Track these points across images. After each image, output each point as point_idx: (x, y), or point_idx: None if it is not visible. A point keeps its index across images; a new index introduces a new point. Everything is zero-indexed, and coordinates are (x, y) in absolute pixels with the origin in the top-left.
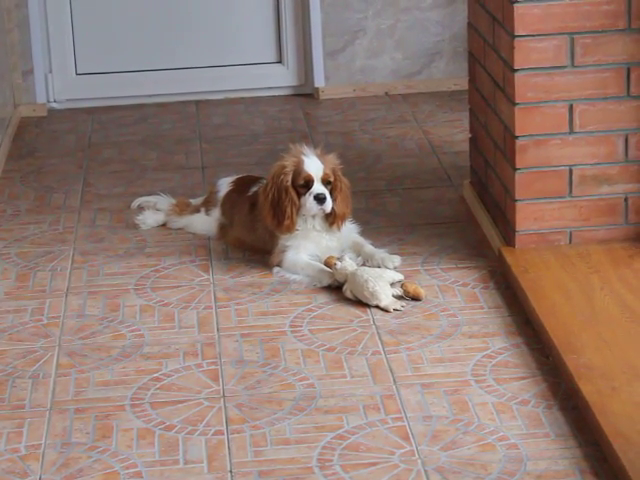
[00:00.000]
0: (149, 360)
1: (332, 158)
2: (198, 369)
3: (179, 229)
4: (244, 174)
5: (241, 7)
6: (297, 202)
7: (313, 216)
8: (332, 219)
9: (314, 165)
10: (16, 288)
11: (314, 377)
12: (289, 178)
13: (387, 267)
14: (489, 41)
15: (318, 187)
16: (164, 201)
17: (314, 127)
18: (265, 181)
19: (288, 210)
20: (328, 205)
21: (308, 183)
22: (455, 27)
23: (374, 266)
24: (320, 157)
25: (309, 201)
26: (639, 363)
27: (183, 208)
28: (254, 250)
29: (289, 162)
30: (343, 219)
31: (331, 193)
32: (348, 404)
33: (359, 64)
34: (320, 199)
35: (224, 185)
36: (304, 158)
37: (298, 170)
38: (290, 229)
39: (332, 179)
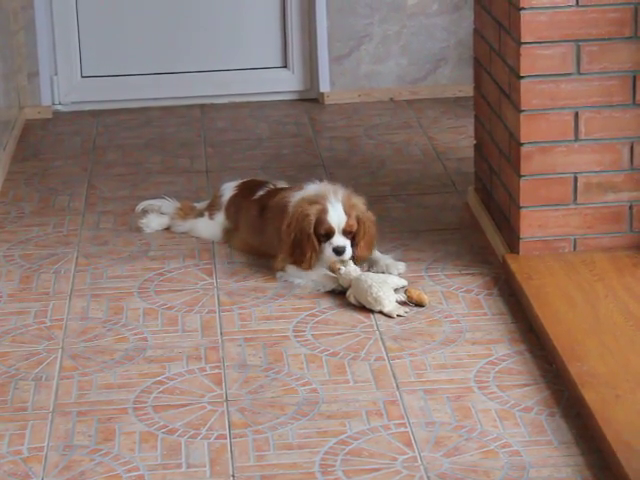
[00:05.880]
0: (152, 363)
1: (358, 204)
2: (201, 373)
3: (183, 233)
4: (248, 178)
5: (247, 11)
6: (317, 248)
7: None
8: (353, 260)
9: (337, 216)
10: (20, 290)
11: (317, 382)
12: (312, 226)
13: (392, 273)
14: (495, 47)
15: (338, 239)
16: (168, 205)
17: (319, 132)
18: (286, 221)
19: (308, 255)
20: (347, 255)
21: (329, 234)
22: (461, 33)
23: (379, 272)
24: (346, 204)
25: (328, 250)
26: None
27: (187, 212)
28: (260, 253)
29: (313, 210)
30: (364, 259)
31: (354, 238)
32: (351, 409)
33: (364, 69)
34: (339, 252)
35: (228, 190)
36: (329, 207)
37: (321, 219)
38: (307, 269)
39: (355, 228)
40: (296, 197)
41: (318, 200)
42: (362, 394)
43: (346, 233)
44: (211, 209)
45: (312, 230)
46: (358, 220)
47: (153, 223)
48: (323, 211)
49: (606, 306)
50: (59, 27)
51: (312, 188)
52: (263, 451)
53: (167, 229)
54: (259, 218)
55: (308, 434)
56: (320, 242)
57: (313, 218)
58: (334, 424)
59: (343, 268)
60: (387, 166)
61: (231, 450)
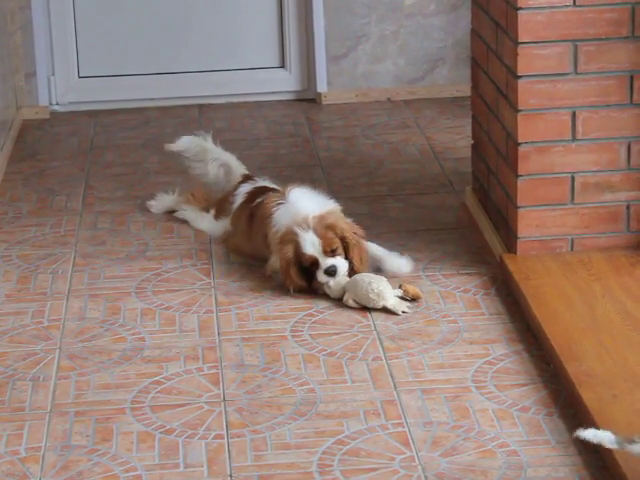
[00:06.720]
0: (150, 363)
1: (336, 222)
2: (199, 373)
3: (184, 221)
4: (262, 184)
5: (244, 11)
6: (305, 283)
7: None
8: (352, 273)
9: (310, 244)
10: (17, 290)
11: (315, 382)
12: (296, 264)
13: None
14: (492, 47)
15: (325, 262)
16: (203, 145)
17: (316, 132)
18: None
19: (305, 284)
20: (341, 271)
21: (314, 263)
22: (458, 33)
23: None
24: (317, 229)
25: (321, 277)
26: None
27: (200, 201)
28: (252, 257)
29: (289, 251)
30: (363, 269)
31: (347, 253)
32: (348, 409)
33: (362, 69)
34: (331, 272)
35: (240, 197)
36: (300, 240)
37: (299, 255)
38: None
39: (336, 247)
40: (273, 230)
41: (290, 237)
42: (360, 394)
43: (329, 252)
44: (219, 210)
45: (297, 266)
46: (340, 235)
47: (160, 205)
48: (297, 247)
49: (603, 306)
50: (56, 27)
51: (290, 206)
52: (261, 451)
53: (172, 212)
54: (248, 224)
55: (306, 434)
56: (315, 271)
57: (292, 255)
58: (332, 424)
59: (331, 280)
60: (384, 166)
61: (229, 450)
